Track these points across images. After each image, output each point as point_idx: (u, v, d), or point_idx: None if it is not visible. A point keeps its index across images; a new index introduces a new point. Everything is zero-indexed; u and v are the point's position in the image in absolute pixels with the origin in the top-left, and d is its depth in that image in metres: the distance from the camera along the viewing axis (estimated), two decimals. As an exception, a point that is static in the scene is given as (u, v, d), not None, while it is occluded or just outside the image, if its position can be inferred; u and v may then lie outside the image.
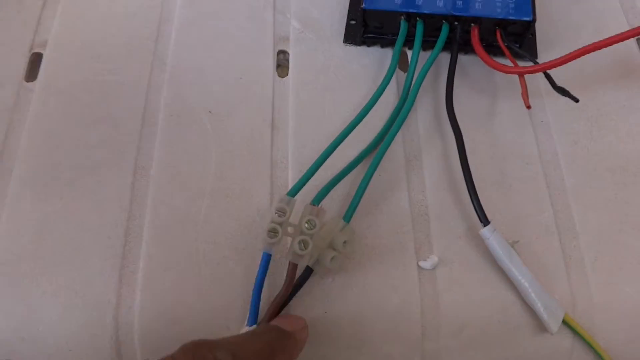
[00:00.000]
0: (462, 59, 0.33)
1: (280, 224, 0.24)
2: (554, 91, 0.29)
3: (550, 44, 0.34)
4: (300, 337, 0.23)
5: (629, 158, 0.30)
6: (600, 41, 0.28)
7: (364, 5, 0.31)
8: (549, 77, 0.29)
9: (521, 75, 0.29)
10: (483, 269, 0.26)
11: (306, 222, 0.24)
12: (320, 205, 0.25)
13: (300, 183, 0.25)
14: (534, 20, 0.30)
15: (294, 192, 0.25)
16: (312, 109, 0.32)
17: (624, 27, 0.35)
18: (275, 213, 0.24)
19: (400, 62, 0.33)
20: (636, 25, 0.35)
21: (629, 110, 0.31)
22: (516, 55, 0.31)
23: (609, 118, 0.31)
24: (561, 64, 0.28)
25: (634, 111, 0.31)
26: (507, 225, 0.28)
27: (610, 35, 0.28)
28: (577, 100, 0.27)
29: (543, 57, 0.33)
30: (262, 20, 0.35)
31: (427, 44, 0.32)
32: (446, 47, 0.32)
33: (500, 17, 0.30)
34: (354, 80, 0.33)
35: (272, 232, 0.23)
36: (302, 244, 0.23)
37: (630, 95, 0.32)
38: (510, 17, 0.30)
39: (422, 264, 0.26)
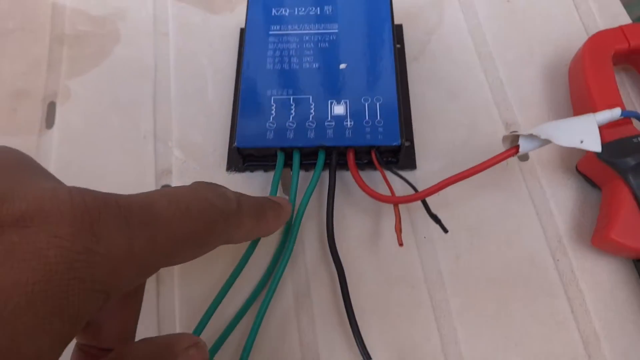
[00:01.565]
0: (347, 175, 0.33)
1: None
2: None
3: (430, 145, 0.34)
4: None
5: (509, 266, 0.30)
6: (475, 167, 0.28)
7: (236, 143, 0.31)
8: (424, 204, 0.29)
9: (395, 204, 0.29)
10: (375, 415, 0.26)
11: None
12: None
13: None
14: (402, 145, 0.30)
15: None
16: (197, 252, 0.31)
17: (497, 121, 0.36)
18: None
19: (286, 187, 0.33)
20: (508, 117, 0.37)
21: (505, 214, 0.32)
22: (396, 175, 0.32)
23: (488, 224, 0.32)
24: (437, 191, 0.28)
25: (510, 215, 0.32)
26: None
27: (487, 159, 0.28)
28: (446, 231, 0.28)
29: (422, 164, 0.34)
30: (143, 153, 0.35)
31: (310, 166, 0.33)
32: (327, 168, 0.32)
33: (370, 143, 0.30)
34: (239, 213, 0.32)
35: None
36: None
37: (505, 198, 0.33)
38: (380, 144, 0.30)
39: (314, 419, 0.26)
